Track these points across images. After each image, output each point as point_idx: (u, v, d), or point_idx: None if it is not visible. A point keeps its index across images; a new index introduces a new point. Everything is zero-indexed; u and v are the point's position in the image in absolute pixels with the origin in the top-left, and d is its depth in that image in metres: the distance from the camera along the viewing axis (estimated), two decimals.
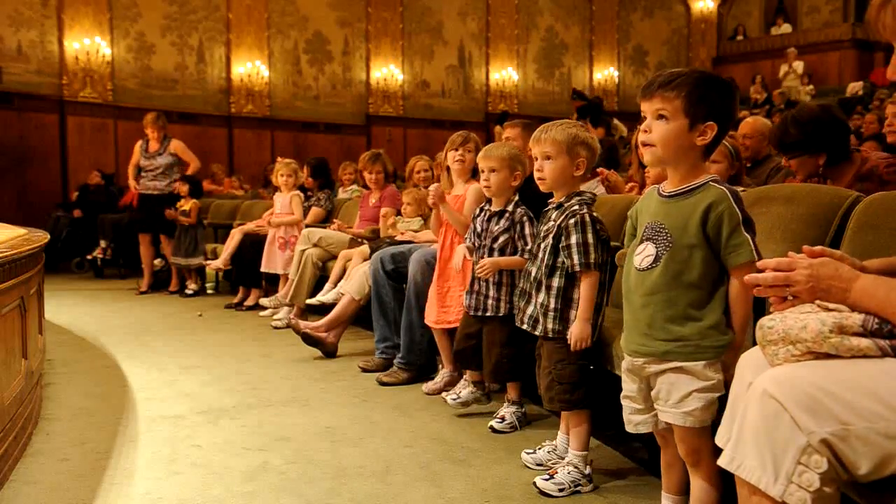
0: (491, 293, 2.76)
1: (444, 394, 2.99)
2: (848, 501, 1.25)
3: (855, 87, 12.07)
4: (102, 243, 8.04)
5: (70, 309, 5.65)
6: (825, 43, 13.93)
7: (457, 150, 3.29)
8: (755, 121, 4.45)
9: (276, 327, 4.89)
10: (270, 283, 5.82)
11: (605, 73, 14.64)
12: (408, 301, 3.44)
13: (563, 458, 2.28)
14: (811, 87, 12.96)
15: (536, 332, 2.30)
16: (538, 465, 2.34)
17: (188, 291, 6.58)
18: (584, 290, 2.20)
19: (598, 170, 3.75)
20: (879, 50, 13.61)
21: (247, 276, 5.92)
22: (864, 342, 1.19)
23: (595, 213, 2.26)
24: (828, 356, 1.22)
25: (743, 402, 1.24)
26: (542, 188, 2.32)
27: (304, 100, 11.83)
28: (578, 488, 2.14)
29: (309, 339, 3.93)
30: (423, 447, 2.55)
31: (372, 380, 3.47)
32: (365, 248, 4.41)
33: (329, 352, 3.98)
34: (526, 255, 2.67)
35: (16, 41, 9.54)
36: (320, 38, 11.93)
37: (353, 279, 4.09)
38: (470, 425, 2.80)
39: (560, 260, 2.23)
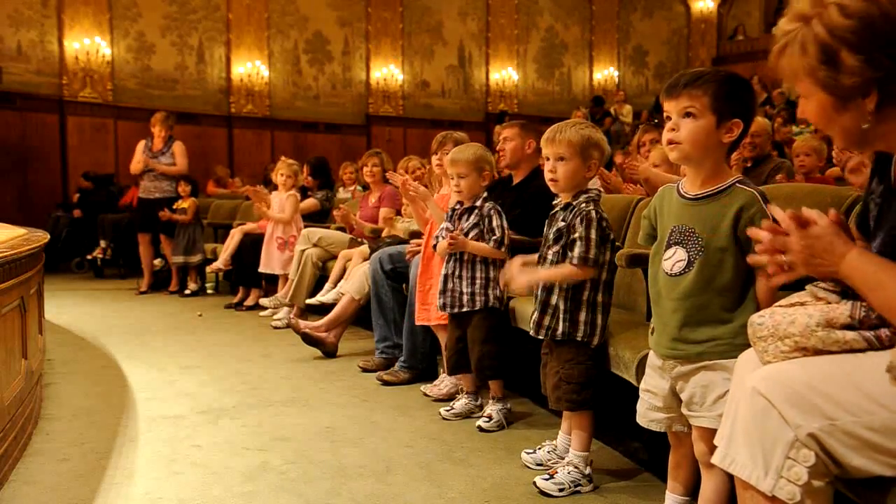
0: (464, 289, 2.80)
1: (441, 409, 2.99)
2: (845, 500, 1.25)
3: None
4: (102, 243, 8.04)
5: (70, 309, 5.65)
6: None
7: (436, 153, 3.34)
8: (757, 120, 4.45)
9: (275, 327, 4.89)
10: (270, 283, 5.82)
11: (605, 73, 14.64)
12: (409, 305, 3.44)
13: (563, 458, 2.27)
14: None
15: (540, 336, 2.29)
16: (538, 465, 2.34)
17: (188, 291, 6.58)
18: (569, 270, 2.16)
19: (601, 170, 3.74)
20: None
21: (247, 276, 5.92)
22: (850, 334, 1.21)
23: (602, 211, 2.25)
24: (816, 351, 1.23)
25: (736, 401, 1.25)
26: (553, 189, 2.31)
27: (303, 100, 11.83)
28: (578, 488, 2.14)
29: (309, 339, 3.93)
30: (423, 447, 2.55)
31: (372, 380, 3.47)
32: (364, 248, 4.42)
33: (329, 352, 3.98)
34: (492, 244, 2.75)
35: (16, 41, 9.54)
36: (320, 38, 11.92)
37: (353, 279, 4.09)
38: (470, 425, 2.80)
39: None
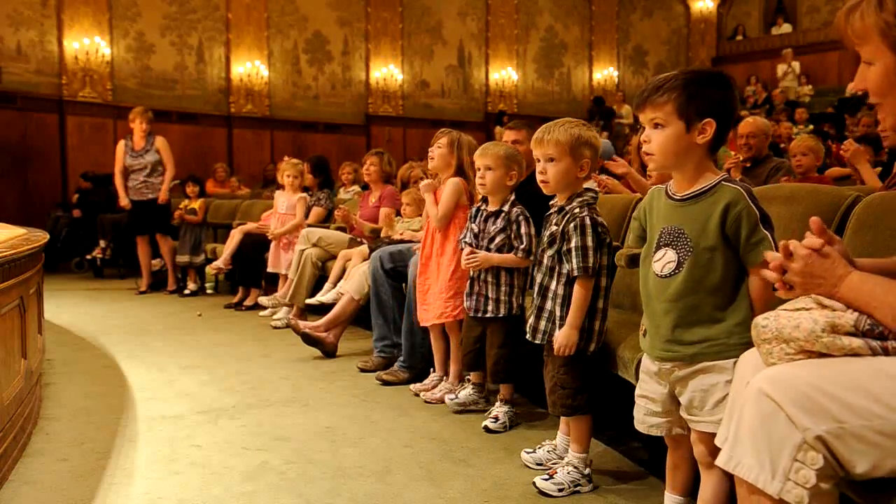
0: (490, 294, 2.76)
1: (445, 396, 3.00)
2: (847, 501, 1.25)
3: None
4: (102, 243, 8.05)
5: (70, 309, 5.65)
6: (825, 43, 13.91)
7: (431, 147, 3.32)
8: (755, 120, 4.46)
9: (275, 327, 4.89)
10: (270, 283, 5.82)
11: (605, 73, 14.64)
12: (408, 304, 3.43)
13: (562, 458, 2.27)
14: (809, 86, 12.96)
15: (537, 341, 2.29)
16: (538, 464, 2.34)
17: (187, 291, 6.58)
18: (577, 296, 2.17)
19: (594, 176, 3.74)
20: None
21: (246, 276, 5.92)
22: (856, 342, 1.20)
23: (597, 215, 2.23)
24: (821, 355, 1.22)
25: (739, 402, 1.24)
26: (545, 191, 2.28)
27: (303, 100, 11.82)
28: (578, 488, 2.14)
29: (309, 339, 3.93)
30: (422, 447, 2.55)
31: (372, 380, 3.47)
32: (364, 247, 4.41)
33: (328, 351, 3.98)
34: (520, 254, 2.69)
35: (15, 41, 9.53)
36: (320, 37, 11.92)
37: (353, 279, 4.09)
38: (469, 425, 2.80)
39: (564, 267, 2.21)
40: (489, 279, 2.76)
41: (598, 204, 2.30)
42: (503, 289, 2.74)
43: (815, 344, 1.22)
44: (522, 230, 2.70)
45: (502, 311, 2.74)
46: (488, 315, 2.76)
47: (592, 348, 2.21)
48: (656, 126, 1.64)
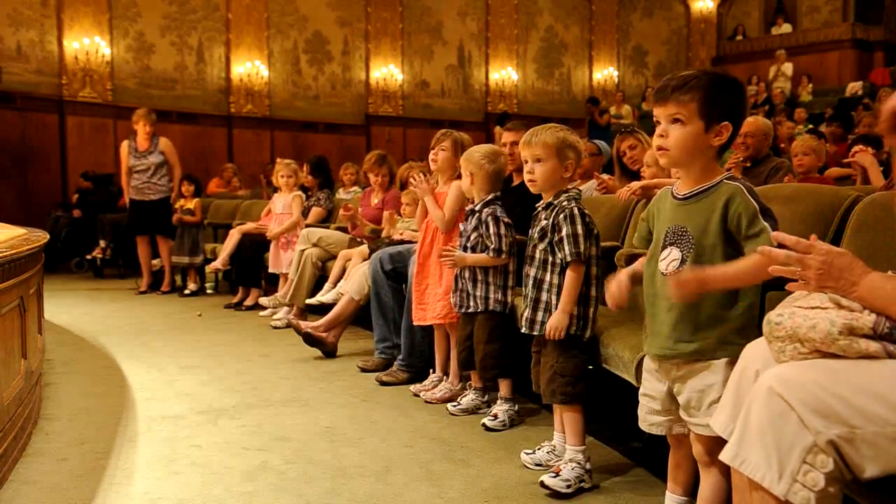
0: (470, 289, 2.85)
1: (448, 405, 3.01)
2: (848, 501, 1.25)
3: (854, 87, 12.06)
4: (102, 243, 8.04)
5: (70, 309, 5.65)
6: (825, 43, 13.92)
7: (433, 149, 3.34)
8: (755, 120, 4.44)
9: (275, 327, 4.89)
10: (270, 283, 5.82)
11: (605, 73, 14.64)
12: (408, 303, 3.44)
13: (561, 458, 2.28)
14: (811, 86, 12.96)
15: (534, 332, 2.32)
16: (537, 465, 2.34)
17: (187, 291, 6.58)
18: (568, 281, 2.24)
19: (595, 173, 3.76)
20: (879, 50, 13.62)
21: (246, 276, 5.92)
22: (874, 346, 1.19)
23: (583, 208, 2.31)
24: (835, 356, 1.21)
25: (748, 398, 1.24)
26: (532, 189, 2.37)
27: (303, 100, 11.82)
28: (582, 484, 2.16)
29: (310, 339, 3.93)
30: (422, 447, 2.55)
31: (372, 380, 3.47)
32: (364, 248, 4.42)
33: (329, 352, 3.98)
34: (491, 254, 2.78)
35: (15, 41, 9.53)
36: (320, 37, 11.92)
37: (353, 279, 4.09)
38: (469, 425, 2.80)
39: (557, 258, 2.27)
40: (467, 276, 2.86)
41: (597, 204, 2.34)
42: (480, 286, 2.83)
43: (830, 346, 1.21)
44: (492, 230, 2.79)
45: (482, 307, 2.81)
46: (471, 310, 2.85)
47: (588, 335, 2.27)
48: (676, 121, 1.64)
